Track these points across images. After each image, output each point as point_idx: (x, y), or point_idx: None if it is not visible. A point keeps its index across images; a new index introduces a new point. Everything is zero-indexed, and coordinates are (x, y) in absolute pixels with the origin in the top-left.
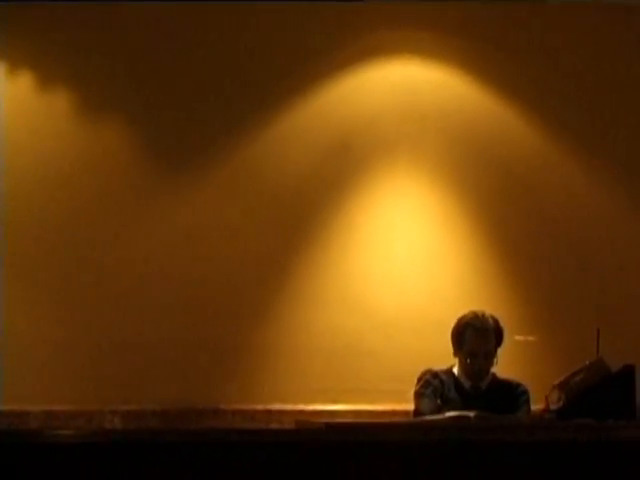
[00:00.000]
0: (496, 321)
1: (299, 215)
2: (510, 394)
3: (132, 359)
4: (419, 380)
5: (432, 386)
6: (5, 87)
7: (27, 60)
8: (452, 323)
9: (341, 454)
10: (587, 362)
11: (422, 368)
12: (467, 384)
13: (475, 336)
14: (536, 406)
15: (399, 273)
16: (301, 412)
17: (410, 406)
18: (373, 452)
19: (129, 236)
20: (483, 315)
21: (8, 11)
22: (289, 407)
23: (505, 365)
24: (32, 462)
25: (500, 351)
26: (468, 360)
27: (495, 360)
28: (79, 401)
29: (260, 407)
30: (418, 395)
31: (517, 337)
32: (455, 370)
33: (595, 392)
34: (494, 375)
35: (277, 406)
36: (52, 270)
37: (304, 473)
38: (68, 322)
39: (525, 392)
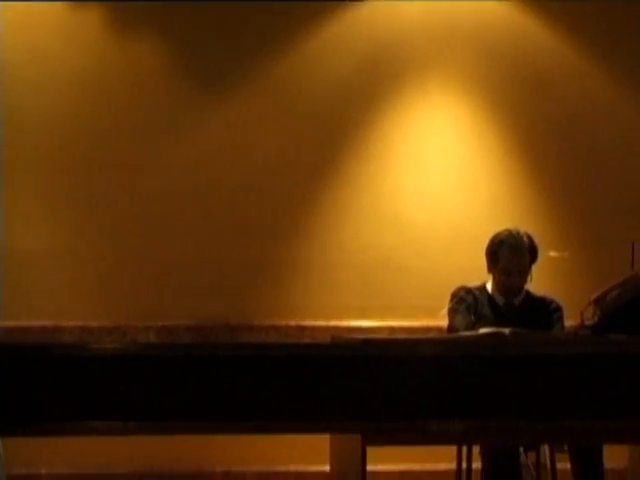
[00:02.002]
0: (531, 238)
1: (332, 132)
2: (544, 310)
3: (166, 275)
4: (453, 297)
5: (466, 303)
6: (38, 3)
7: None
8: (485, 239)
9: (378, 369)
10: (622, 278)
11: (454, 284)
12: (501, 301)
13: (510, 254)
14: (571, 322)
15: (432, 190)
16: (334, 328)
17: (443, 323)
18: (409, 367)
19: (162, 153)
20: (518, 233)
21: None
22: (322, 323)
23: (539, 282)
24: (70, 374)
25: (534, 268)
26: (502, 277)
27: (529, 277)
28: (114, 317)
29: (293, 323)
30: (452, 311)
31: (551, 253)
32: (489, 287)
33: (630, 307)
34: (528, 292)
35: (310, 322)
36: (83, 186)
37: (340, 386)
38: (102, 239)
39: (559, 308)
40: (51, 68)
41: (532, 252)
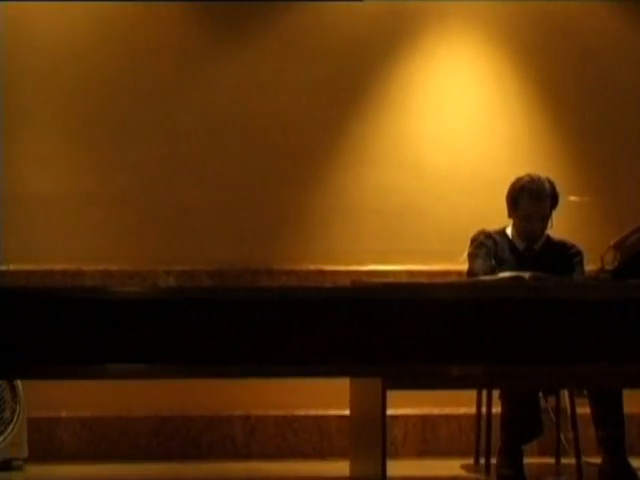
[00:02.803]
0: (552, 184)
1: (353, 77)
2: (564, 255)
3: (187, 219)
4: (473, 241)
5: (486, 247)
6: None
7: None
8: (504, 184)
9: (397, 313)
10: None
11: (474, 228)
12: (521, 245)
13: (531, 200)
14: (591, 267)
15: (452, 134)
16: (354, 272)
17: (462, 267)
18: (429, 311)
19: (183, 95)
20: (539, 178)
21: None
22: (342, 267)
23: (560, 226)
24: (91, 318)
25: (555, 213)
26: (523, 223)
27: (550, 223)
28: (134, 261)
29: (313, 267)
30: (472, 256)
31: (572, 197)
32: (509, 231)
33: None
34: (548, 236)
35: (330, 266)
36: (103, 130)
37: (360, 331)
38: (122, 182)
39: (579, 253)
40: (55, 8)
41: (553, 198)
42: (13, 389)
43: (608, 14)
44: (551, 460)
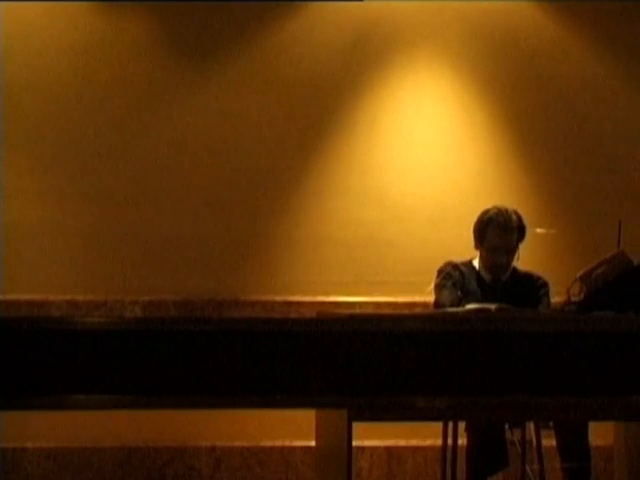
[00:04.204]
0: (519, 217)
1: (321, 106)
2: (530, 287)
3: (154, 250)
4: (439, 272)
5: (453, 278)
6: None
7: None
8: (471, 216)
9: (363, 344)
10: (608, 254)
11: (441, 260)
12: (488, 277)
13: (498, 232)
14: (557, 299)
15: (419, 166)
16: (321, 303)
17: (429, 298)
18: (395, 342)
19: (149, 128)
20: (506, 211)
21: None
22: (308, 298)
23: (526, 258)
24: (56, 349)
25: (522, 245)
26: (490, 255)
27: (517, 255)
28: (100, 291)
29: (279, 298)
30: (439, 287)
31: (538, 229)
32: (476, 263)
33: (616, 285)
34: (514, 268)
35: (296, 297)
36: (72, 160)
37: (326, 362)
38: (88, 213)
39: (545, 285)
40: (41, 45)
41: (520, 230)
42: None
43: (577, 50)
44: None
